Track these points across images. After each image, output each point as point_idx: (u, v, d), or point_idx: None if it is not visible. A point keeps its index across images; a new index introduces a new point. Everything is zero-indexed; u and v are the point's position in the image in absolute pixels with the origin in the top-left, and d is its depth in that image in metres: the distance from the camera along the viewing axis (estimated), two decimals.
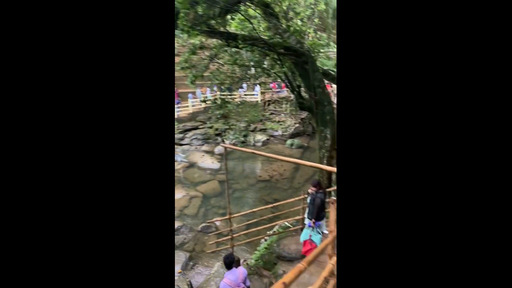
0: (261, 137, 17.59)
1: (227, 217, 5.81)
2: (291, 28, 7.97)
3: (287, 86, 8.16)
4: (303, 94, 8.41)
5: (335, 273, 2.65)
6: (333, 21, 24.98)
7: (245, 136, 17.23)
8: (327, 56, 12.70)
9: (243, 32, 7.24)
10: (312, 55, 8.13)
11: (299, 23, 10.11)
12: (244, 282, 3.05)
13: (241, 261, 4.40)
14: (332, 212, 2.90)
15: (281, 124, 18.73)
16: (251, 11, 7.54)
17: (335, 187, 6.91)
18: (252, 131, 18.13)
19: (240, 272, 3.11)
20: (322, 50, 10.29)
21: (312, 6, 16.32)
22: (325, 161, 7.42)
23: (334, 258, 2.71)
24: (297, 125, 18.14)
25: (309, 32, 11.34)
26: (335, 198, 2.85)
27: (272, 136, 18.20)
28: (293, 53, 7.23)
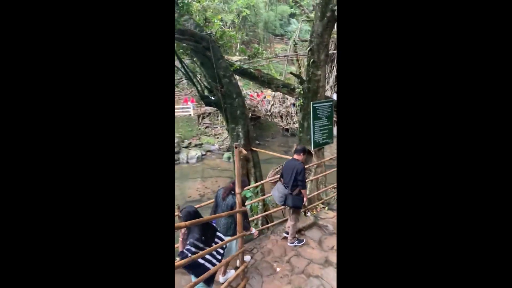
0: (195, 153, 15.88)
1: None
2: (197, 18, 6.70)
3: (186, 78, 6.69)
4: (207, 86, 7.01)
5: None
6: (266, 34, 25.22)
7: (176, 153, 15.29)
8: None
9: None
10: (220, 42, 6.95)
11: (218, 22, 9.00)
12: None
13: None
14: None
15: (217, 138, 17.35)
16: None
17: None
18: (186, 147, 16.39)
19: None
20: (234, 42, 9.22)
21: (235, 10, 15.84)
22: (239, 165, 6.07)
23: None
24: None
25: (232, 36, 10.24)
26: None
27: (209, 151, 16.68)
28: (190, 38, 5.90)
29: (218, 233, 2.50)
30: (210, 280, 2.30)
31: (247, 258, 3.43)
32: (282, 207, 4.86)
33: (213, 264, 2.25)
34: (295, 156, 3.54)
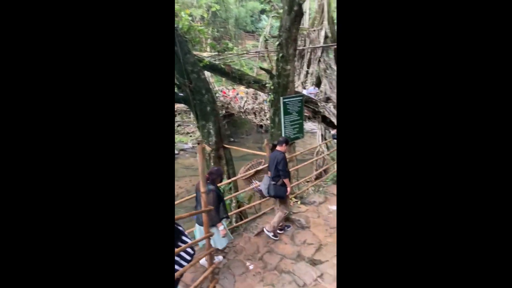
0: None
1: None
2: None
3: None
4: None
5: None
6: (237, 30, 24.94)
7: None
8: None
9: None
10: (187, 37, 6.70)
11: (185, 16, 8.65)
12: None
13: None
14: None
15: (190, 136, 16.92)
16: None
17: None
18: None
19: None
20: (204, 36, 8.99)
21: (204, 5, 15.46)
22: (212, 163, 5.91)
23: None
24: None
25: (199, 30, 9.91)
26: None
27: (182, 150, 16.22)
28: None
29: (184, 237, 2.36)
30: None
31: (219, 258, 3.33)
32: (257, 202, 4.82)
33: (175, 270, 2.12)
34: (278, 148, 3.61)
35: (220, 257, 3.35)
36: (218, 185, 3.28)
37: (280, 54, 5.42)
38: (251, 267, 3.18)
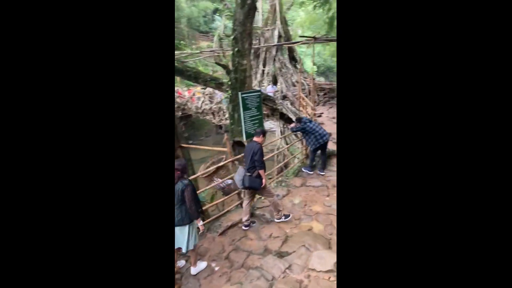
0: None
1: None
2: None
3: None
4: None
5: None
6: (190, 30, 24.30)
7: None
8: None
9: None
10: None
11: None
12: None
13: None
14: None
15: None
16: None
17: None
18: None
19: None
20: None
21: None
22: None
23: None
24: None
25: None
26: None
27: None
28: None
29: None
30: None
31: (181, 262, 3.08)
32: (220, 200, 4.64)
33: None
34: (255, 138, 3.59)
35: (183, 262, 3.11)
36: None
37: (236, 49, 5.31)
38: (216, 268, 2.99)
